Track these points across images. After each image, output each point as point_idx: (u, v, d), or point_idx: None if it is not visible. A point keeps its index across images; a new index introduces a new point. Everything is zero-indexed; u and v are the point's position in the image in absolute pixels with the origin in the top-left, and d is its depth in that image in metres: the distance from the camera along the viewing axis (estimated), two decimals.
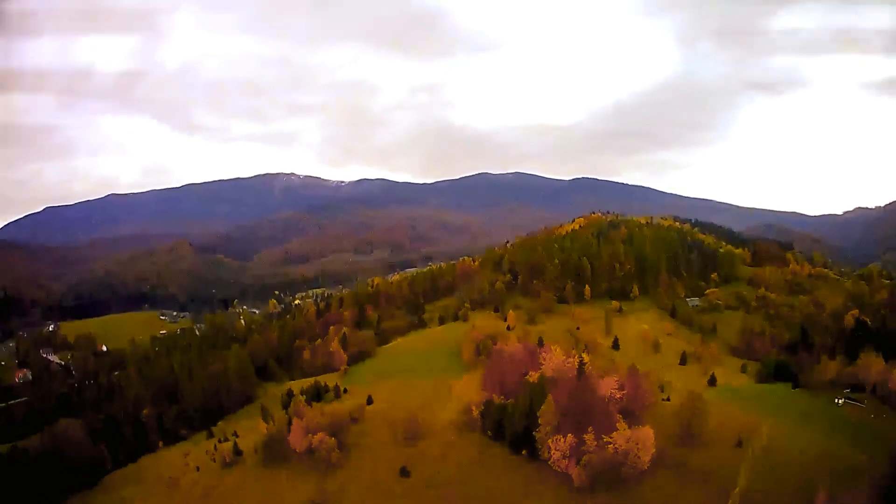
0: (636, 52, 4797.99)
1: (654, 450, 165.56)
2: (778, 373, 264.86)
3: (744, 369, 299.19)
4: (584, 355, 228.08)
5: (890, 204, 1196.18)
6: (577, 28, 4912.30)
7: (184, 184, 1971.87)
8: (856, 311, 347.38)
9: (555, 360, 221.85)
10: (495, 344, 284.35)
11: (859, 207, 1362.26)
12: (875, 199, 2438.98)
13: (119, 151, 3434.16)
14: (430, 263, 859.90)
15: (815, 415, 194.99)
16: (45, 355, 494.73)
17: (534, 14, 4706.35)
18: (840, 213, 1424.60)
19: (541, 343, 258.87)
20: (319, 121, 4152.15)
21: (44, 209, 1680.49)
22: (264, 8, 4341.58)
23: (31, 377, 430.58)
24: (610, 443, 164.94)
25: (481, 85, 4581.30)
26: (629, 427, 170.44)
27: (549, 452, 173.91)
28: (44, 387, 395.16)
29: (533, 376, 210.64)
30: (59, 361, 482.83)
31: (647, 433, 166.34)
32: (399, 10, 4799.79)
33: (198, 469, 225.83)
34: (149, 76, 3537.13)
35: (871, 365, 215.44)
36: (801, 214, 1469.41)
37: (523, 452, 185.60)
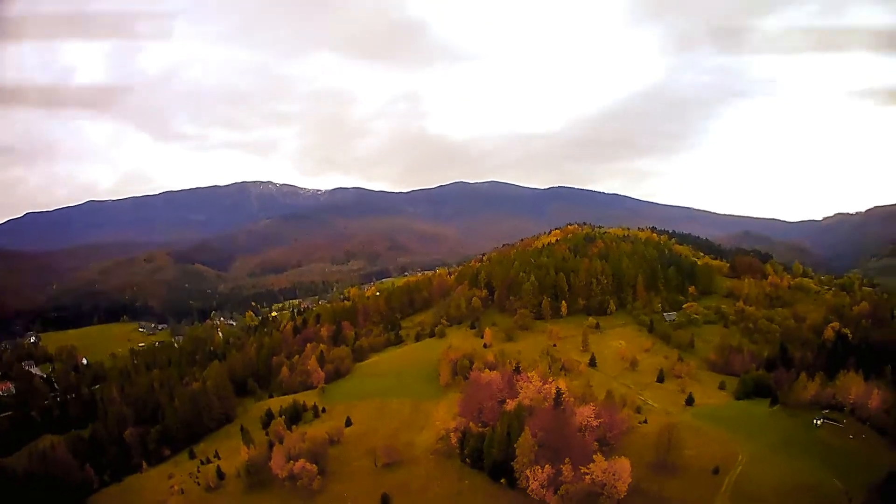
0: (612, 62, 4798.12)
1: (630, 479, 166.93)
2: (756, 390, 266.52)
3: (722, 386, 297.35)
4: (560, 383, 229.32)
5: (871, 209, 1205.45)
6: (554, 38, 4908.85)
7: (162, 191, 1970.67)
8: (836, 325, 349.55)
9: (532, 387, 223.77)
10: (472, 364, 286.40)
11: (840, 213, 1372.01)
12: (856, 204, 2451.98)
13: (99, 158, 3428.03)
14: (406, 273, 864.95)
15: (793, 438, 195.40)
16: (27, 368, 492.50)
17: (511, 24, 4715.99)
18: (820, 218, 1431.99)
19: (517, 370, 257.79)
20: (297, 129, 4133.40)
21: (24, 214, 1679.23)
22: (243, 17, 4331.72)
23: (14, 391, 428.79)
24: (587, 473, 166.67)
25: (458, 94, 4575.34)
26: (606, 457, 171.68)
27: (527, 482, 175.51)
28: (28, 401, 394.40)
29: (510, 404, 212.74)
30: (41, 374, 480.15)
31: (623, 464, 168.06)
32: (378, 20, 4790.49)
33: (182, 492, 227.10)
34: (129, 83, 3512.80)
35: (851, 384, 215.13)
36: (781, 221, 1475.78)
37: (502, 481, 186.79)
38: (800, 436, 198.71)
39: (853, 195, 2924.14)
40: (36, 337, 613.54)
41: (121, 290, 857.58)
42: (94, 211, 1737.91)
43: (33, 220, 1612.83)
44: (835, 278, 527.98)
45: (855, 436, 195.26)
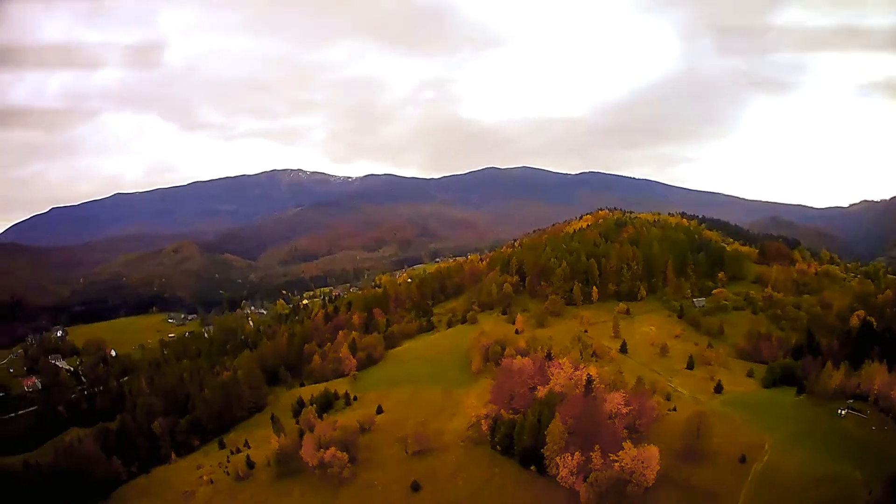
0: (642, 47, 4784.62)
1: (658, 467, 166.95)
2: (784, 378, 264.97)
3: (750, 373, 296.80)
4: (591, 369, 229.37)
5: (895, 197, 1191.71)
6: (584, 22, 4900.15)
7: (189, 182, 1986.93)
8: (861, 313, 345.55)
9: (563, 374, 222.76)
10: (504, 350, 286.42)
11: (865, 200, 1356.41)
12: (881, 191, 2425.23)
13: (124, 150, 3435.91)
14: (437, 259, 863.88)
15: (818, 428, 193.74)
16: (53, 362, 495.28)
17: (540, 8, 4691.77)
18: (846, 205, 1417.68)
19: (549, 356, 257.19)
20: (326, 117, 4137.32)
21: (49, 210, 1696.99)
22: (269, 4, 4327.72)
23: (40, 385, 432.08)
24: (616, 461, 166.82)
25: (488, 79, 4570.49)
26: (635, 445, 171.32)
27: (557, 469, 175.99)
28: (54, 395, 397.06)
29: (541, 391, 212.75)
30: (68, 368, 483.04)
31: (652, 452, 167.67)
32: (405, 6, 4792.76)
33: (211, 482, 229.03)
34: (153, 74, 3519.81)
35: (875, 374, 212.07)
36: (807, 207, 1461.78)
37: (532, 468, 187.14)
38: (824, 426, 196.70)
39: (879, 183, 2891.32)
40: (63, 331, 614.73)
41: (148, 282, 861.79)
42: (120, 204, 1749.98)
43: (59, 215, 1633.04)
44: (860, 265, 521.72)
45: (877, 427, 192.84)
